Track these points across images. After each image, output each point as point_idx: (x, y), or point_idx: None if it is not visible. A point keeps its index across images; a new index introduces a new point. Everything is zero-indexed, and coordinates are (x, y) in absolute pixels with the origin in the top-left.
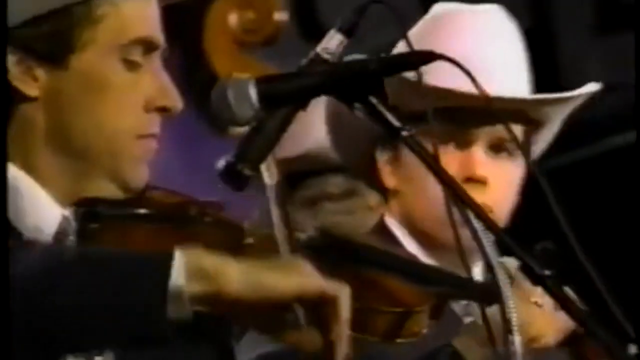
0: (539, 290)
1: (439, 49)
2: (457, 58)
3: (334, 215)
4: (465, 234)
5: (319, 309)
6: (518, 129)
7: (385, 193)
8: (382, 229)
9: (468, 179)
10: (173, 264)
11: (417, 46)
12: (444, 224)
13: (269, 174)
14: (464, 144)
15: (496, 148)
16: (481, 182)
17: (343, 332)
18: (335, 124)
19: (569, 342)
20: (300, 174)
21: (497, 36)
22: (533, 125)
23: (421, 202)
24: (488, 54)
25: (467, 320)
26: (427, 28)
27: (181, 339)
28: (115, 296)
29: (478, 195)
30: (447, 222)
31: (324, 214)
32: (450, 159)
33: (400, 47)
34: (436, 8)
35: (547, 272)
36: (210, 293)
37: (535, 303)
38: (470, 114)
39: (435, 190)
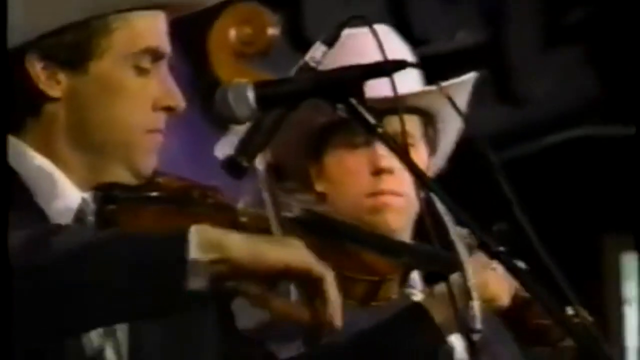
0: None
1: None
2: None
3: (306, 203)
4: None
5: (307, 287)
6: (415, 121)
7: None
8: None
9: (377, 171)
10: (189, 240)
11: (332, 64)
12: (364, 212)
13: (260, 164)
14: (368, 142)
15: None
16: (388, 171)
17: (331, 310)
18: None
19: (512, 307)
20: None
21: (390, 49)
22: (427, 116)
23: (344, 199)
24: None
25: (407, 290)
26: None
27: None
28: (138, 272)
29: (389, 183)
30: (366, 210)
31: (300, 201)
32: (360, 158)
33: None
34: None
35: (501, 249)
36: (218, 260)
37: (491, 268)
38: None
39: (352, 188)
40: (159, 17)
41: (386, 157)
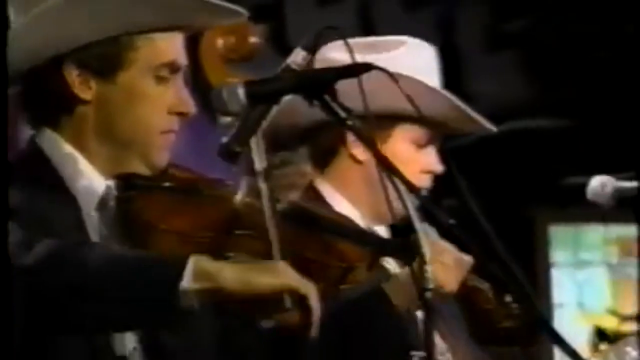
0: (444, 251)
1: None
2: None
3: (276, 179)
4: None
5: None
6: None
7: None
8: (310, 189)
9: (427, 171)
10: (186, 268)
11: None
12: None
13: (259, 160)
14: (425, 144)
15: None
16: (434, 173)
17: (314, 317)
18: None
19: (463, 293)
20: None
21: (422, 66)
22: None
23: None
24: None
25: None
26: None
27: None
28: (138, 290)
29: (428, 182)
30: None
31: (289, 174)
32: (419, 155)
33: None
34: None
35: (451, 221)
36: (212, 289)
37: (441, 262)
38: (439, 123)
39: (406, 170)
40: (177, 36)
41: (438, 164)
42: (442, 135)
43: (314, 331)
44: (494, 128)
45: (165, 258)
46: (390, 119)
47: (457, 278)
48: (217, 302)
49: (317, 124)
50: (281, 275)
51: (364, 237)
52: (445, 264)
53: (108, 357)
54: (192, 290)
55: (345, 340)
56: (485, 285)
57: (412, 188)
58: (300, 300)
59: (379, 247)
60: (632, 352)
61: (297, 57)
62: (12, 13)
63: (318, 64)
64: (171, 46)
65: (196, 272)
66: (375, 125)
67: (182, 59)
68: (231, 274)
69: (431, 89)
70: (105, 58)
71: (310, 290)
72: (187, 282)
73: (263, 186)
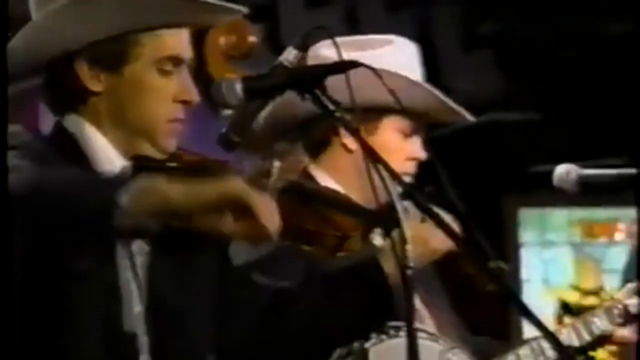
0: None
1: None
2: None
3: (291, 164)
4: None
5: (245, 211)
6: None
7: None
8: (305, 174)
9: (412, 158)
10: (127, 187)
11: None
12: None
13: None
14: (410, 133)
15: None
16: (419, 160)
17: (268, 223)
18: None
19: (448, 260)
20: None
21: (403, 63)
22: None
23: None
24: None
25: (371, 235)
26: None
27: (189, 250)
28: (83, 207)
29: (413, 168)
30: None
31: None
32: (404, 144)
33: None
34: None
35: (430, 205)
36: (159, 205)
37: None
38: (423, 114)
39: (391, 159)
40: (183, 32)
41: (422, 152)
42: (426, 125)
43: (271, 236)
44: (472, 118)
45: (110, 177)
46: (378, 112)
47: (439, 242)
48: (165, 217)
49: (312, 115)
50: (226, 183)
51: (354, 208)
52: (429, 227)
53: (117, 334)
54: (137, 205)
55: (335, 304)
56: None
57: (394, 175)
58: (249, 210)
59: (368, 217)
60: (598, 322)
61: (289, 55)
62: (32, 8)
63: (311, 61)
64: (177, 41)
65: (141, 188)
66: (362, 117)
67: (187, 53)
68: (177, 190)
69: (414, 83)
70: (113, 54)
71: (254, 196)
72: (130, 197)
73: (276, 164)
